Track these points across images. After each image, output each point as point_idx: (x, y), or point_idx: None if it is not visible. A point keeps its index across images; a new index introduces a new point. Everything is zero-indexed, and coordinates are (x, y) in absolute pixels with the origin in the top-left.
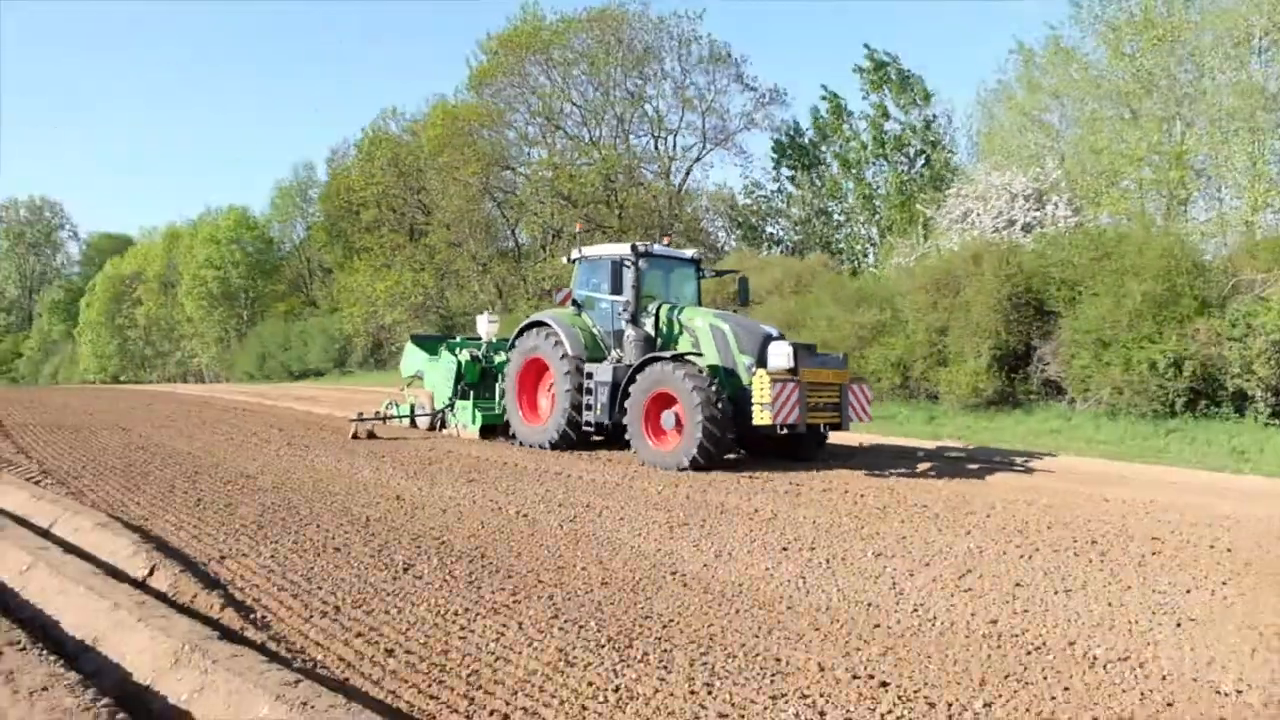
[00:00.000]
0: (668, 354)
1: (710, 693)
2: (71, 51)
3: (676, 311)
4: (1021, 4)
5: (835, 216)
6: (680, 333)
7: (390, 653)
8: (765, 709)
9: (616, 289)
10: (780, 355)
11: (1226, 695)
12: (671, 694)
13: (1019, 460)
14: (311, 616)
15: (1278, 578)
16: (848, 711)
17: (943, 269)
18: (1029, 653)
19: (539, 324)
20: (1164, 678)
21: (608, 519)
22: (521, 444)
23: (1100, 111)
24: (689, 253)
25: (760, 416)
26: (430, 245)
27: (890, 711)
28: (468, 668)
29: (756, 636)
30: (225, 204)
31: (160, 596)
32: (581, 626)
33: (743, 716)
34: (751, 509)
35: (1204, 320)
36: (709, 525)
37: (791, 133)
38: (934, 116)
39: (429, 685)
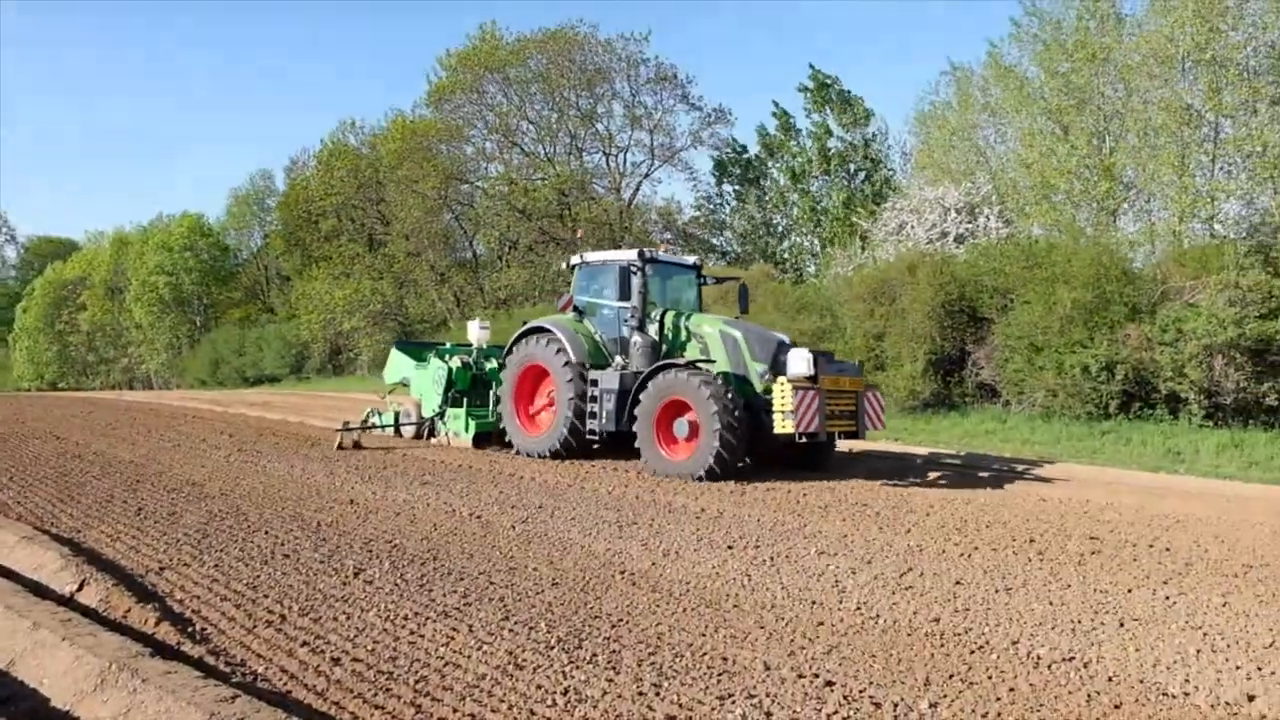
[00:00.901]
0: (681, 361)
1: (658, 693)
2: (17, 56)
3: (684, 318)
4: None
5: (778, 229)
6: (688, 339)
7: (336, 661)
8: (713, 710)
9: (624, 295)
10: (800, 362)
11: (1174, 697)
12: (620, 695)
13: (975, 463)
14: (255, 627)
15: (1218, 578)
16: (794, 712)
17: (879, 278)
18: (972, 652)
19: (539, 330)
20: (1110, 679)
21: (559, 520)
22: (520, 453)
23: (1033, 127)
24: (690, 259)
25: (782, 425)
26: (389, 255)
27: (836, 712)
28: (416, 674)
29: (704, 635)
30: (178, 211)
31: (90, 613)
32: (532, 628)
33: (690, 717)
34: (699, 508)
35: (1134, 326)
36: (657, 524)
37: (734, 150)
38: (874, 135)
39: (375, 694)
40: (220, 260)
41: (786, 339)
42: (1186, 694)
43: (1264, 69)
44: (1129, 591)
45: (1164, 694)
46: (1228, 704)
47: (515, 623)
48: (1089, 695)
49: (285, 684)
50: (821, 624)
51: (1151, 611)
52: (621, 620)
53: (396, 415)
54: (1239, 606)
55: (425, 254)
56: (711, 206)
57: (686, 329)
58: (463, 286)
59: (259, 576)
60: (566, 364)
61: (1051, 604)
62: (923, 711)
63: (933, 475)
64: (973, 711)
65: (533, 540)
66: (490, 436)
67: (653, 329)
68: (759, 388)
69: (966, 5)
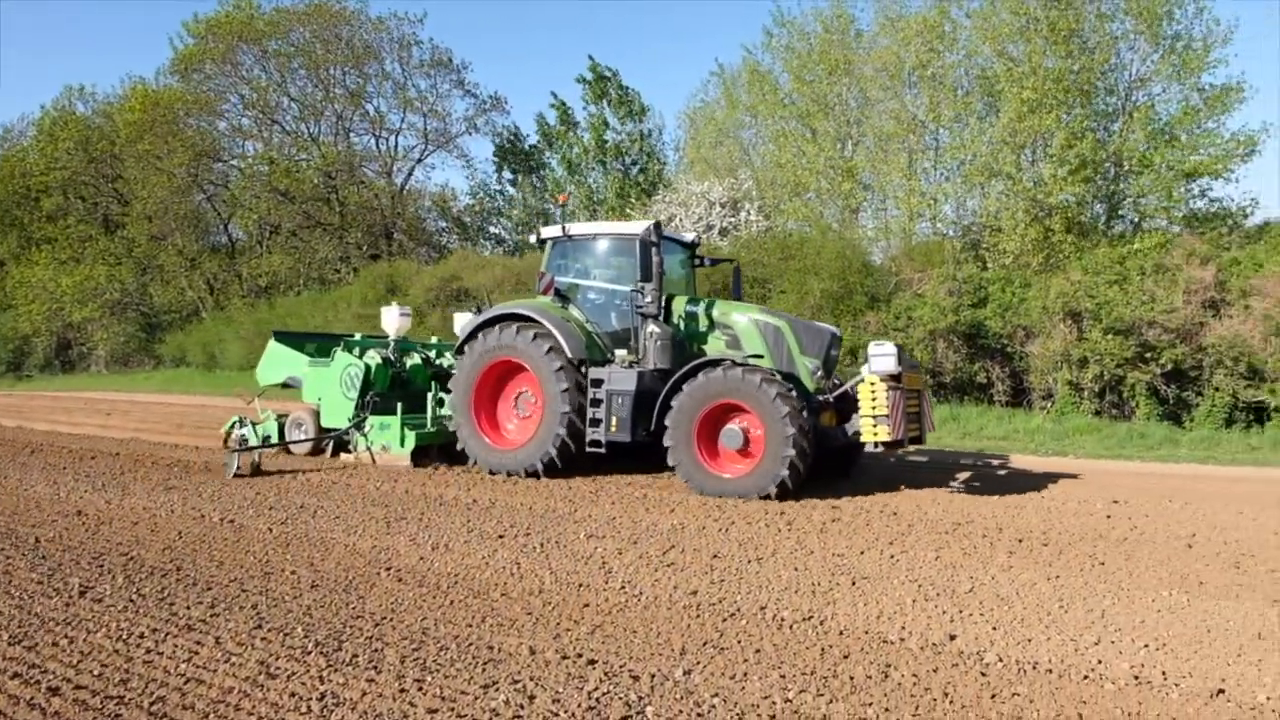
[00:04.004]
0: (736, 356)
1: (421, 689)
2: None
3: (704, 305)
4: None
5: (555, 218)
6: (709, 330)
7: (55, 691)
8: (476, 699)
9: (646, 275)
10: (888, 358)
11: (892, 643)
12: (380, 694)
13: None
14: None
15: (933, 535)
16: (556, 692)
17: None
18: (725, 619)
19: (513, 317)
20: (841, 633)
21: (322, 519)
22: (491, 472)
23: (786, 129)
24: (689, 236)
25: (872, 432)
26: (129, 238)
27: (597, 688)
28: (152, 695)
29: (470, 626)
30: None
31: None
32: (287, 634)
33: (453, 709)
34: (470, 499)
35: (874, 313)
36: (427, 518)
37: (512, 138)
38: (649, 130)
39: None
40: None
41: (838, 331)
42: (902, 639)
43: (972, 87)
44: (861, 553)
45: (884, 641)
46: (934, 644)
47: (269, 630)
48: (823, 649)
49: None
50: (587, 605)
51: (878, 569)
52: (385, 618)
53: (282, 427)
54: (948, 559)
55: (172, 237)
56: (489, 194)
57: (709, 318)
58: (217, 273)
59: None
60: (558, 361)
61: (796, 569)
62: (677, 679)
63: None
64: (723, 674)
65: (292, 542)
66: (430, 450)
67: None
68: (810, 386)
69: (746, 5)
